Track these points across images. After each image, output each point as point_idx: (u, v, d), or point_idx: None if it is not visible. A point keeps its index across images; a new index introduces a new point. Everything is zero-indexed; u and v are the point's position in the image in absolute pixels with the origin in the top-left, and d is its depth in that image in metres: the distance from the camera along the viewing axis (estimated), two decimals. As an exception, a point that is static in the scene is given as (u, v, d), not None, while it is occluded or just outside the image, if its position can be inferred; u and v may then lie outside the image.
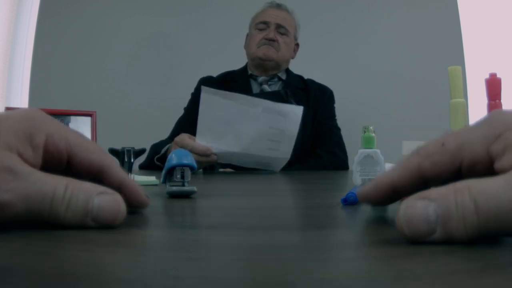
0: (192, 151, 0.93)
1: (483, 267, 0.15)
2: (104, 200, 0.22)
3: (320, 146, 1.28)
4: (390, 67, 1.84)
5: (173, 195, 0.40)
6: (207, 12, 1.92)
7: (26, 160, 0.22)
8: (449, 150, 0.22)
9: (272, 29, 1.34)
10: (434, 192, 0.19)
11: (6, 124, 0.23)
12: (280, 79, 1.39)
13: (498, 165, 0.20)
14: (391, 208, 0.32)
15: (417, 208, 0.18)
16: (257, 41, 1.35)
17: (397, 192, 0.24)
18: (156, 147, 1.14)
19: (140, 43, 1.91)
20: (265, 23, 1.36)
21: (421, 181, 0.23)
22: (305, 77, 1.43)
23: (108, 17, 1.94)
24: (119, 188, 0.26)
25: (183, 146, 0.93)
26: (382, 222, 0.26)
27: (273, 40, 1.33)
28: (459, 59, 1.77)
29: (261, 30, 1.36)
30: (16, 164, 0.21)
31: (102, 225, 0.22)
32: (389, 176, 0.24)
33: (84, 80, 1.89)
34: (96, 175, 0.26)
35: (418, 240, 0.18)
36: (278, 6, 1.40)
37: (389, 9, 1.89)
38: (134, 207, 0.28)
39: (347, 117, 1.48)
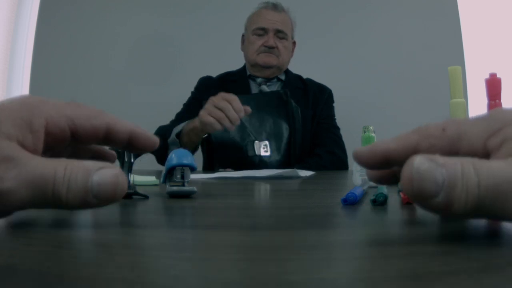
0: (232, 103, 0.97)
1: (483, 267, 0.15)
2: (102, 175, 0.22)
3: (319, 146, 1.28)
4: (390, 66, 1.84)
5: (173, 195, 0.40)
6: (207, 12, 1.92)
7: (26, 147, 0.22)
8: (449, 137, 0.22)
9: (271, 36, 1.32)
10: (441, 157, 0.18)
11: (3, 114, 0.23)
12: (279, 79, 1.39)
13: (493, 158, 0.20)
14: (391, 208, 0.32)
15: (429, 167, 0.18)
16: (256, 47, 1.33)
17: (389, 161, 0.24)
18: (165, 129, 1.20)
19: (140, 43, 1.91)
20: (263, 29, 1.33)
21: None
22: (304, 76, 1.43)
23: (108, 17, 1.94)
24: (130, 138, 0.27)
25: (227, 99, 0.98)
26: (382, 222, 0.26)
27: (273, 47, 1.31)
28: (459, 59, 1.77)
29: (259, 36, 1.34)
30: (15, 151, 0.21)
31: (104, 201, 0.22)
32: (386, 144, 0.24)
33: (84, 80, 1.89)
34: (105, 137, 0.27)
35: (419, 201, 0.18)
36: (275, 7, 1.36)
37: (389, 9, 1.89)
38: (148, 150, 0.29)
39: (347, 117, 1.48)
